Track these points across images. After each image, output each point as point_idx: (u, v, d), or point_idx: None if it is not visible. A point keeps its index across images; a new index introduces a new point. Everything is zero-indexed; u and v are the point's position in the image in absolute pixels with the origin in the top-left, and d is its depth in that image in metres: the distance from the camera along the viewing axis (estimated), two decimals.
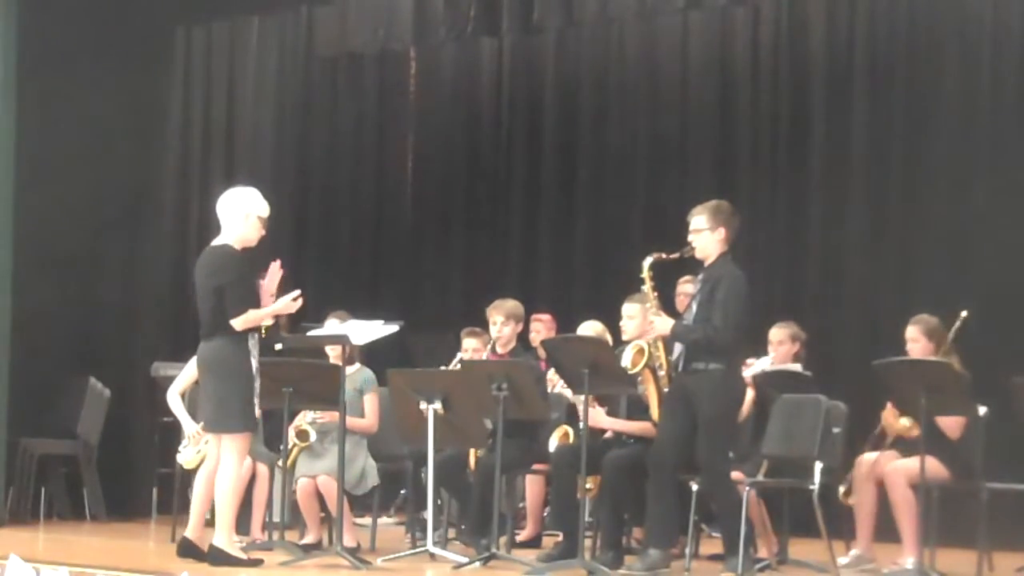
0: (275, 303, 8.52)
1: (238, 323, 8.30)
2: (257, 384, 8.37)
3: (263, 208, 8.57)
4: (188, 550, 8.42)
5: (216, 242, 8.56)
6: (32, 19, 11.41)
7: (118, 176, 12.20)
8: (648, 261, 8.49)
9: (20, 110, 11.31)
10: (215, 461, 8.45)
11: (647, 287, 8.47)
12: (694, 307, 8.41)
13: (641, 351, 8.41)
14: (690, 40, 12.23)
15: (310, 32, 13.02)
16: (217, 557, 8.29)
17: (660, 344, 8.46)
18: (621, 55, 12.56)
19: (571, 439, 8.99)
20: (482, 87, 13.27)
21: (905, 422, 8.74)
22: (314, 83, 13.31)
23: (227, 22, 13.09)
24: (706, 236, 8.37)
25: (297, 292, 8.55)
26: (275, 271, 8.63)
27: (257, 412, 8.44)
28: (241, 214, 8.51)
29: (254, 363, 8.34)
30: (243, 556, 8.39)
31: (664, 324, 8.35)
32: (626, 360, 8.40)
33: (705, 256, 8.42)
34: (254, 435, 9.84)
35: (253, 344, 8.36)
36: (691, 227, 8.44)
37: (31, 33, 11.40)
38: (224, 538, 8.34)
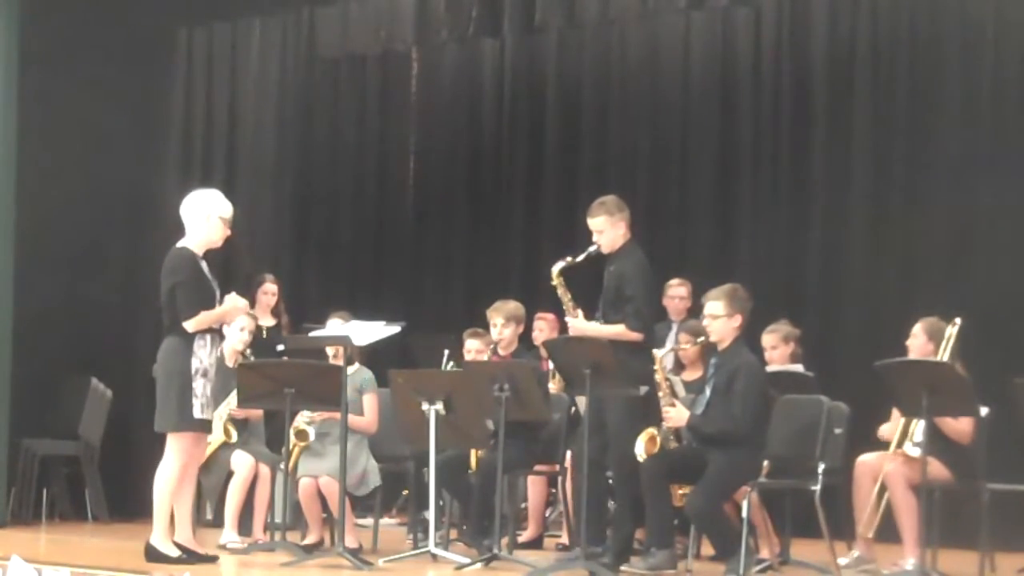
0: (222, 305, 8.53)
1: (191, 324, 8.37)
2: (204, 385, 8.36)
3: (225, 209, 8.66)
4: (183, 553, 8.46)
5: (178, 244, 8.64)
6: (33, 19, 11.40)
7: (119, 176, 12.20)
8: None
9: (21, 110, 11.30)
10: (169, 461, 8.47)
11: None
12: (707, 392, 8.41)
13: (653, 439, 8.42)
14: (692, 40, 12.22)
15: (312, 33, 13.02)
16: (153, 555, 8.38)
17: (672, 431, 8.50)
18: (622, 55, 12.56)
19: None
20: (484, 88, 13.27)
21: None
22: (316, 84, 13.30)
23: (229, 23, 13.09)
24: (722, 322, 8.41)
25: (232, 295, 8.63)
26: (238, 303, 8.64)
27: (200, 413, 8.38)
28: (202, 215, 8.61)
29: (198, 363, 8.35)
30: (178, 554, 8.42)
31: (680, 415, 8.38)
32: (639, 448, 8.38)
33: (720, 340, 8.45)
34: (255, 436, 9.88)
35: (201, 345, 8.38)
36: (706, 311, 8.48)
37: (32, 33, 11.40)
38: (160, 536, 8.42)
